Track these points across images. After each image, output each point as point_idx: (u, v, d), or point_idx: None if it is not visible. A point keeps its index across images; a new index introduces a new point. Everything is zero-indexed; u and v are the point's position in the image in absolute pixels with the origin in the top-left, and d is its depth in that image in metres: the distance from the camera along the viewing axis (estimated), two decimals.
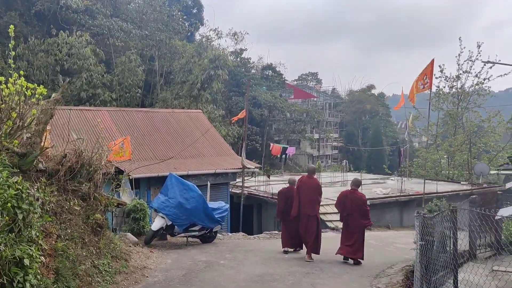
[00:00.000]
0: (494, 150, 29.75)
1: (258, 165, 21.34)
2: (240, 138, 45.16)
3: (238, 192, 22.60)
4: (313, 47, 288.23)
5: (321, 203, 12.25)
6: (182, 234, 12.98)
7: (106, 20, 33.68)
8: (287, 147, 27.24)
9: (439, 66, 30.61)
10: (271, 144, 28.44)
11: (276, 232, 16.81)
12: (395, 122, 77.64)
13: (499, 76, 29.68)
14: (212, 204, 13.61)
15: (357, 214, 11.01)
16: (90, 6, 33.74)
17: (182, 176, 18.50)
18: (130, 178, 16.88)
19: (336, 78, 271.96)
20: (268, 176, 23.49)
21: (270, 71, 54.59)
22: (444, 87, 30.82)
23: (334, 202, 12.79)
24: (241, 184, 21.79)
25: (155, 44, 35.01)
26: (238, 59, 50.17)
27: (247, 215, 23.74)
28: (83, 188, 8.47)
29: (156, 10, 35.47)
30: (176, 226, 12.76)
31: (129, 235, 12.47)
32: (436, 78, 31.02)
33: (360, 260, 11.22)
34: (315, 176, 12.23)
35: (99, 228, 9.13)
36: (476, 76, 29.37)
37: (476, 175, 25.54)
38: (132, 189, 16.15)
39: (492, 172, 26.55)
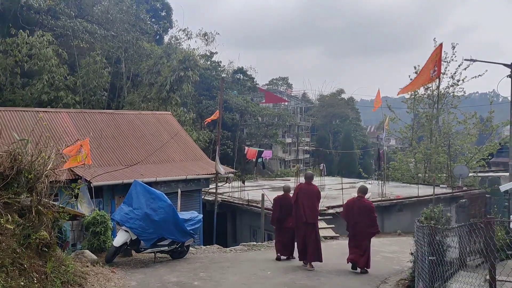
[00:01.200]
0: (470, 152, 28.90)
1: (233, 170, 19.67)
2: (211, 143, 43.47)
3: (211, 199, 20.90)
4: (284, 53, 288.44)
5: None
6: (149, 250, 11.20)
7: (70, 21, 31.44)
8: (263, 151, 25.65)
9: (414, 68, 29.72)
10: (246, 147, 26.82)
11: (254, 243, 15.19)
12: (364, 126, 77.19)
13: (473, 78, 28.95)
14: (183, 215, 11.89)
15: (364, 222, 10.61)
16: (53, 6, 31.45)
17: (150, 183, 16.71)
18: (91, 185, 15.00)
19: (307, 83, 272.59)
20: (243, 182, 21.83)
21: (241, 74, 53.00)
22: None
23: None
24: (214, 191, 20.11)
25: (121, 45, 32.95)
26: (209, 62, 48.46)
27: (221, 224, 22.04)
28: (22, 200, 6.67)
29: (122, 10, 33.45)
30: (142, 241, 10.99)
31: (87, 252, 10.62)
32: (411, 80, 30.06)
33: (367, 270, 10.93)
34: (313, 183, 11.64)
35: (46, 248, 7.31)
36: (452, 77, 28.58)
37: (456, 178, 24.55)
38: (92, 198, 14.27)
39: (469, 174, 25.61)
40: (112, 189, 16.47)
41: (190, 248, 12.75)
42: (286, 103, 65.22)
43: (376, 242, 18.01)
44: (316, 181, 26.47)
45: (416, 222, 9.50)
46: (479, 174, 28.85)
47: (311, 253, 10.89)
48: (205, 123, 24.69)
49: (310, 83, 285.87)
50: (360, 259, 10.82)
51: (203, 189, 19.36)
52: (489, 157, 29.02)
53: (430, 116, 29.20)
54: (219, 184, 20.43)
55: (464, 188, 23.78)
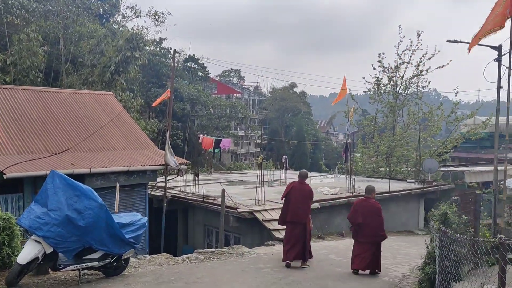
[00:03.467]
0: (434, 145, 26.97)
1: (185, 161, 16.46)
2: (160, 133, 39.78)
3: (159, 194, 17.59)
4: (237, 47, 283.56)
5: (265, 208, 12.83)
6: (72, 267, 7.92)
7: None
8: (220, 139, 22.51)
9: (378, 56, 27.44)
10: (201, 135, 23.56)
11: (212, 250, 12.10)
12: (315, 120, 75.49)
13: (437, 68, 27.04)
14: (121, 218, 8.65)
15: (370, 224, 9.95)
16: None
17: (82, 176, 13.26)
18: (3, 177, 11.47)
19: (259, 76, 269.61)
20: (197, 175, 18.62)
21: (192, 63, 49.40)
22: (382, 78, 27.65)
23: (279, 205, 12.63)
24: (163, 185, 16.83)
25: (60, 21, 28.76)
26: (158, 49, 44.65)
27: (171, 223, 18.81)
28: None
29: None
30: (61, 254, 7.72)
31: None
32: (374, 69, 27.92)
33: (378, 272, 10.38)
34: (307, 182, 11.12)
35: None
36: (417, 66, 26.46)
37: (425, 172, 22.46)
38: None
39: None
40: (34, 182, 12.88)
41: (131, 259, 9.54)
42: (239, 96, 62.31)
43: (348, 243, 15.37)
44: (278, 174, 23.77)
45: (444, 229, 6.91)
46: (441, 169, 26.98)
47: (298, 252, 10.43)
48: (154, 105, 21.28)
49: (263, 76, 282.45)
50: (363, 265, 10.15)
51: (149, 183, 16.05)
52: (451, 150, 27.25)
53: (394, 106, 27.04)
54: (169, 177, 17.20)
55: (434, 183, 21.68)
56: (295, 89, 68.14)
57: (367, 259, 10.10)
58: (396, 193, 19.41)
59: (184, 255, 11.36)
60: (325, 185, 20.12)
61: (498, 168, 28.29)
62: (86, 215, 7.69)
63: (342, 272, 10.63)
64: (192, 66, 50.02)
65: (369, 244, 10.05)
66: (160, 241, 16.62)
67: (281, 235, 14.12)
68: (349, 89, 25.03)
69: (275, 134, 60.19)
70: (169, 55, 47.78)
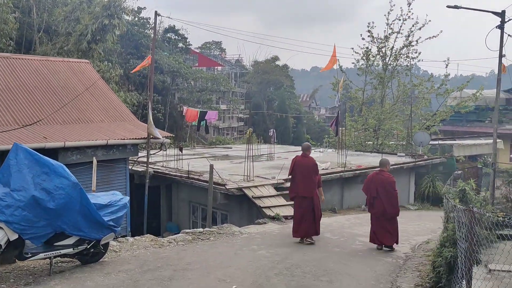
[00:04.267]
0: (424, 118, 26.20)
1: (170, 134, 15.25)
2: (140, 107, 38.19)
3: (141, 170, 16.41)
4: (217, 19, 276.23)
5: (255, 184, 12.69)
6: (42, 255, 6.79)
7: None
8: (206, 112, 21.20)
9: (368, 25, 26.26)
10: (185, 107, 22.19)
11: (201, 230, 11.05)
12: (298, 94, 74.35)
13: (427, 39, 26.05)
14: (98, 198, 7.50)
15: (383, 197, 9.75)
16: None
17: (56, 150, 12.01)
18: None
19: (241, 48, 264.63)
20: (181, 150, 17.43)
21: (172, 34, 47.53)
22: (371, 48, 26.50)
23: (269, 181, 13.41)
24: (145, 160, 15.64)
25: None
26: (136, 18, 42.66)
27: (153, 199, 17.73)
28: None
29: None
30: (28, 241, 6.59)
31: None
32: (363, 39, 26.78)
33: (394, 246, 10.22)
34: (310, 155, 10.61)
35: None
36: (408, 36, 25.43)
37: (416, 145, 21.69)
38: None
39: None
40: (1, 158, 11.58)
41: (111, 243, 8.45)
42: (220, 68, 60.63)
43: (342, 221, 14.60)
44: (265, 148, 22.73)
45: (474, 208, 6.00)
46: (430, 143, 26.28)
47: (308, 227, 10.18)
48: (134, 71, 19.79)
49: (244, 48, 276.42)
50: (383, 237, 10.00)
51: (130, 157, 14.85)
52: (440, 123, 26.54)
53: (384, 78, 26.02)
54: (152, 152, 16.01)
55: (425, 157, 20.95)
56: (277, 62, 66.77)
57: (386, 234, 9.94)
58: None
59: (170, 237, 10.32)
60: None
61: (484, 142, 27.90)
62: (56, 195, 6.54)
63: (342, 253, 9.77)
64: (173, 37, 48.19)
65: (384, 218, 9.83)
66: (143, 218, 15.53)
67: (272, 212, 13.18)
68: (338, 60, 23.92)
69: (257, 108, 58.91)
70: (148, 25, 45.89)
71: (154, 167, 17.23)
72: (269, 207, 13.36)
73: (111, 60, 31.59)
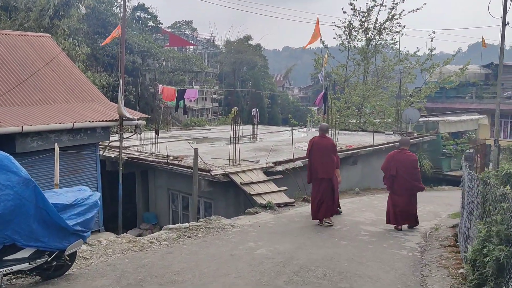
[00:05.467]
0: (408, 95, 24.99)
1: (145, 116, 13.46)
2: (110, 88, 35.87)
3: (113, 156, 14.61)
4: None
5: (242, 169, 11.77)
6: None
7: None
8: (184, 90, 19.32)
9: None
10: (160, 86, 20.26)
11: (186, 225, 9.44)
12: (272, 75, 72.62)
13: (411, 12, 24.72)
14: (60, 196, 5.80)
15: (404, 176, 9.60)
16: None
17: (13, 136, 10.16)
18: None
19: (213, 27, 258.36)
20: (157, 132, 15.65)
21: (142, 12, 44.91)
22: (353, 22, 24.94)
23: (258, 165, 12.59)
24: (117, 144, 13.84)
25: None
26: None
27: (128, 188, 16.02)
28: None
29: None
30: None
31: None
32: (345, 13, 25.22)
33: (416, 225, 10.12)
34: (328, 135, 10.49)
35: None
36: (392, 9, 23.97)
37: (405, 122, 20.48)
38: None
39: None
40: None
41: (82, 246, 6.78)
42: (192, 48, 58.30)
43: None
44: (248, 129, 21.12)
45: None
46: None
47: (327, 209, 9.94)
48: (104, 43, 17.71)
49: (216, 28, 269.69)
50: (399, 219, 9.81)
51: (100, 142, 13.04)
52: (424, 100, 25.41)
53: (367, 52, 24.57)
54: (125, 135, 14.23)
55: (416, 135, 19.79)
56: (250, 42, 64.73)
57: (405, 213, 9.74)
58: (380, 146, 17.31)
59: (152, 235, 8.67)
60: (302, 141, 17.73)
61: (469, 118, 26.98)
62: (2, 197, 4.84)
63: (351, 248, 8.43)
64: (142, 16, 45.59)
65: (404, 197, 9.65)
66: (117, 208, 13.80)
67: (263, 200, 11.68)
68: (321, 37, 22.33)
69: (231, 88, 57.05)
70: (116, 3, 43.25)
71: (128, 152, 15.46)
72: (259, 194, 11.84)
73: (78, 39, 29.33)
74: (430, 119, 24.36)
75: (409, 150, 9.99)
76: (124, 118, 11.62)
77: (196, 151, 10.47)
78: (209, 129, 24.60)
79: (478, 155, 13.08)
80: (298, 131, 22.44)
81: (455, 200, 15.63)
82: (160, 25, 47.59)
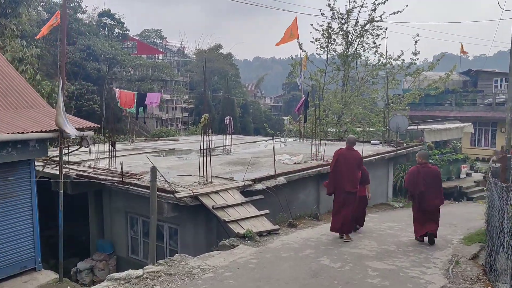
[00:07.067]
0: (391, 101, 22.89)
1: (94, 125, 10.72)
2: (74, 98, 32.81)
3: (55, 173, 11.80)
4: (158, 8, 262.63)
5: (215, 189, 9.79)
6: None
7: None
8: (145, 94, 16.58)
9: None
10: (117, 90, 17.47)
11: (140, 272, 6.80)
12: (244, 84, 70.40)
13: (392, 14, 22.79)
14: None
15: (432, 189, 9.03)
16: None
17: None
18: None
19: (183, 36, 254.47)
20: (113, 145, 12.89)
21: (108, 18, 41.91)
22: (331, 24, 22.78)
23: (233, 183, 10.54)
24: (65, 158, 11.04)
25: None
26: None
27: (79, 210, 13.23)
28: None
29: None
30: None
31: None
32: (323, 14, 23.05)
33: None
34: (355, 148, 9.71)
35: None
36: (374, 10, 21.93)
37: (393, 131, 18.34)
38: None
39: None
40: None
41: None
42: (161, 57, 55.46)
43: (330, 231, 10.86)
44: (220, 139, 18.54)
45: None
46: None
47: (349, 223, 9.38)
48: (39, 36, 14.84)
49: (186, 37, 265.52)
50: (426, 229, 9.18)
51: (37, 157, 10.27)
52: (407, 107, 23.43)
53: (347, 56, 22.38)
54: (73, 149, 11.48)
55: (405, 144, 17.67)
56: (221, 51, 62.50)
57: (434, 227, 9.24)
58: (370, 158, 15.02)
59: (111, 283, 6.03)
60: (282, 152, 15.32)
61: (454, 126, 25.12)
62: None
63: None
64: (108, 22, 42.58)
65: (435, 213, 9.25)
66: (68, 235, 11.01)
67: (242, 228, 9.14)
68: (298, 40, 20.06)
69: (202, 97, 54.43)
70: (80, 9, 40.24)
71: (79, 168, 12.68)
72: (236, 221, 9.30)
73: (37, 45, 26.47)
74: (413, 127, 22.36)
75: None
76: (62, 130, 8.89)
77: (154, 169, 7.85)
78: (177, 140, 21.89)
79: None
80: (276, 141, 20.00)
81: (454, 217, 13.46)
82: (127, 32, 44.63)
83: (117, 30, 43.15)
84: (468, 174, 23.18)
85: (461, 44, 26.84)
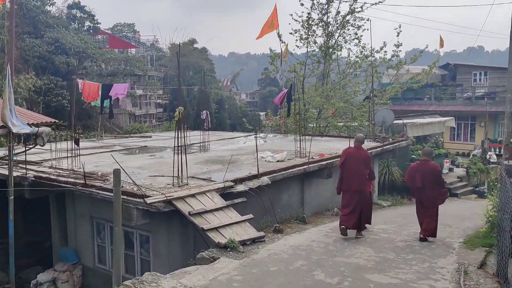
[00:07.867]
0: (373, 94, 21.96)
1: (50, 120, 9.26)
2: (42, 93, 30.91)
3: (16, 175, 10.27)
4: (131, 2, 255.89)
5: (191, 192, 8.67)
6: None
7: None
8: (110, 85, 15.13)
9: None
10: (80, 81, 15.89)
11: (134, 282, 5.50)
12: (219, 79, 68.84)
13: (373, 4, 21.81)
14: None
15: (431, 187, 9.03)
16: None
17: None
18: None
19: (156, 31, 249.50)
20: (76, 142, 11.40)
21: (78, 10, 39.84)
22: (310, 13, 21.59)
23: (212, 184, 9.41)
24: (22, 158, 9.57)
25: None
26: None
27: (39, 216, 11.74)
28: None
29: None
30: None
31: None
32: (302, 5, 21.90)
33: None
34: (363, 147, 9.78)
35: None
36: (355, 0, 20.86)
37: (378, 125, 17.38)
38: None
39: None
40: None
41: None
42: (134, 51, 53.49)
43: (319, 236, 9.71)
44: (196, 136, 17.17)
45: None
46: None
47: (357, 221, 9.25)
48: None
49: (160, 31, 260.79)
50: (426, 231, 9.13)
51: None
52: (388, 101, 22.52)
53: (328, 48, 21.29)
54: (20, 149, 9.99)
55: (391, 140, 16.72)
56: (195, 45, 60.80)
57: (431, 224, 9.17)
58: None
59: None
60: (264, 149, 14.13)
61: (436, 120, 24.41)
62: None
63: None
64: (78, 15, 40.51)
65: (431, 208, 9.17)
66: (29, 239, 9.56)
67: (223, 237, 7.89)
68: (278, 30, 18.89)
69: (176, 93, 52.78)
70: (48, 1, 38.11)
71: (38, 169, 11.18)
72: (216, 229, 8.05)
73: (2, 39, 24.50)
74: (398, 121, 21.48)
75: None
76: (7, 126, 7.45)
77: (117, 172, 6.52)
78: (150, 136, 20.41)
79: None
80: (254, 137, 18.78)
81: (447, 216, 12.39)
82: (99, 25, 42.63)
83: (87, 23, 41.23)
84: (450, 169, 22.48)
85: (440, 36, 26.10)
